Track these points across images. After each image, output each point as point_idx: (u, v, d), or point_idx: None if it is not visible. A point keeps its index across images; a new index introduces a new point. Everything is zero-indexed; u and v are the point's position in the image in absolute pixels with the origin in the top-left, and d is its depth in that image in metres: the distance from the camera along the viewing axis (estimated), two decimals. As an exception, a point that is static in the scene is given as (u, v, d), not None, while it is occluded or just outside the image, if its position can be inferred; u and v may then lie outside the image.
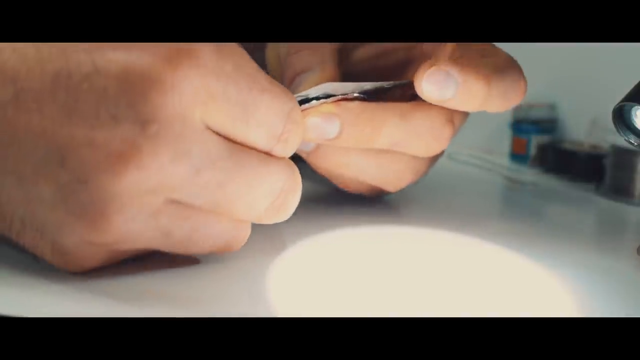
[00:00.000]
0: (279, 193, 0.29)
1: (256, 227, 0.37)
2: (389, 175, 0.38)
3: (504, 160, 0.57)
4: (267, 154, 0.29)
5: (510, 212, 0.48)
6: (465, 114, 0.39)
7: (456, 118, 0.37)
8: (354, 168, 0.37)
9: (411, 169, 0.38)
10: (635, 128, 0.34)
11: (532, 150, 0.56)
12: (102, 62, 0.26)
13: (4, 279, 0.28)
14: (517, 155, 0.57)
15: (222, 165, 0.27)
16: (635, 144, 0.35)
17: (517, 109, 0.57)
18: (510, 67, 0.36)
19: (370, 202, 0.42)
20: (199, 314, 0.27)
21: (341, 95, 0.34)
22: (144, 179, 0.26)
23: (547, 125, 0.57)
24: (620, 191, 0.48)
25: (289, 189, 0.30)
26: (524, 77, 0.36)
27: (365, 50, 0.40)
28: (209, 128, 0.27)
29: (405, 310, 0.29)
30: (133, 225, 0.27)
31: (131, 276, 0.29)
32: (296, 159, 0.31)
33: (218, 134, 0.27)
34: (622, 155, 0.48)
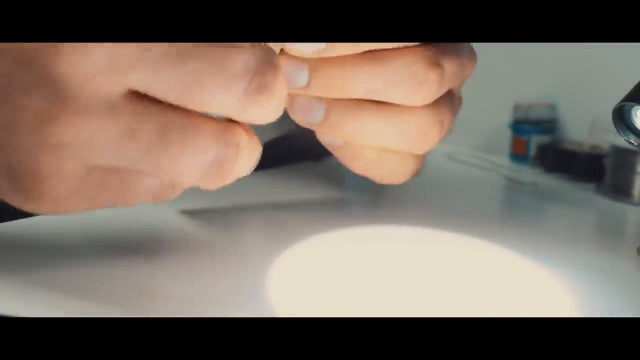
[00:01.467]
0: (254, 72, 0.27)
1: (256, 227, 0.37)
2: (410, 134, 0.35)
3: (504, 160, 0.57)
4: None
5: (510, 212, 0.48)
6: (455, 55, 0.35)
7: (445, 60, 0.34)
8: (370, 134, 0.35)
9: (432, 120, 0.35)
10: (635, 128, 0.34)
11: (532, 150, 0.56)
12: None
13: (4, 279, 0.28)
14: (517, 155, 0.57)
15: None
16: (635, 144, 0.35)
17: (517, 109, 0.57)
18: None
19: (370, 202, 0.42)
20: (199, 314, 0.27)
21: None
22: (87, 53, 0.24)
23: (547, 125, 0.57)
24: (620, 191, 0.48)
25: (265, 66, 0.27)
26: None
27: None
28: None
29: (406, 310, 0.29)
30: (88, 117, 0.25)
31: (131, 276, 0.29)
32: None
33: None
34: (622, 155, 0.48)
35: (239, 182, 0.43)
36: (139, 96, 0.26)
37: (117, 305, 0.27)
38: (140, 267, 0.30)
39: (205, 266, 0.31)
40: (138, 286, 0.29)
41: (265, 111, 0.28)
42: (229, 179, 0.28)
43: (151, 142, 0.26)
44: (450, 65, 0.35)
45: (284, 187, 0.44)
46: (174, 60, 0.25)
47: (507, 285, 0.33)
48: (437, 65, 0.34)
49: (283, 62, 0.32)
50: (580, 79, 0.56)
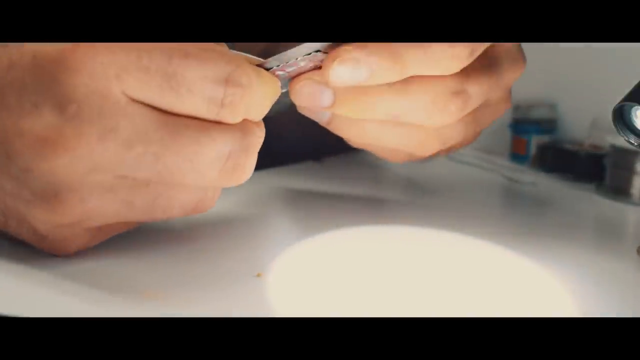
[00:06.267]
0: (228, 157, 0.29)
1: (256, 227, 0.37)
2: (410, 144, 0.36)
3: (504, 160, 0.57)
4: (216, 122, 0.28)
5: (510, 212, 0.48)
6: (487, 74, 0.36)
7: (471, 84, 0.35)
8: (370, 136, 0.36)
9: (436, 137, 0.36)
10: (635, 128, 0.34)
11: (532, 150, 0.56)
12: (17, 55, 0.26)
13: (5, 279, 0.28)
14: (517, 155, 0.57)
15: (155, 137, 0.27)
16: (635, 144, 0.35)
17: (517, 109, 0.57)
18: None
19: (371, 202, 0.42)
20: (199, 314, 0.27)
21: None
22: (77, 160, 0.26)
23: (547, 125, 0.57)
24: (620, 191, 0.48)
25: (240, 151, 0.29)
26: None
27: None
28: (135, 101, 0.27)
29: (405, 310, 0.29)
30: (91, 202, 0.27)
31: (131, 276, 0.29)
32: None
33: (150, 105, 0.27)
34: (622, 155, 0.48)
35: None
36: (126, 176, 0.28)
37: (117, 305, 0.27)
38: (140, 267, 0.30)
39: (205, 265, 0.31)
40: (138, 286, 0.29)
41: (237, 182, 0.30)
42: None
43: (146, 208, 0.29)
44: (477, 88, 0.35)
45: (285, 187, 0.44)
46: (151, 159, 0.27)
47: (507, 285, 0.33)
48: (459, 93, 0.34)
49: (310, 83, 0.33)
50: (580, 79, 0.56)
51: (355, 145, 0.38)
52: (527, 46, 0.53)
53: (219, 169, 0.29)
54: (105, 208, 0.28)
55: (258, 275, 0.31)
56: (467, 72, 0.35)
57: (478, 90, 0.35)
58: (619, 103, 0.34)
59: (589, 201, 0.48)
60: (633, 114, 0.34)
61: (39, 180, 0.27)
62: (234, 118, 0.29)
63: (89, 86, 0.26)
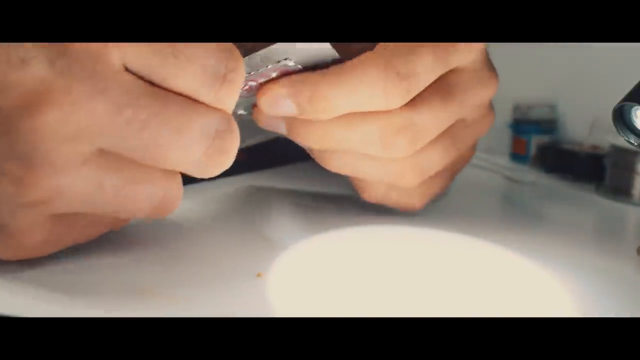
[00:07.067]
0: (215, 136, 0.28)
1: (257, 227, 0.36)
2: (388, 175, 0.36)
3: (504, 160, 0.57)
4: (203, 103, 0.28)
5: (510, 212, 0.48)
6: (442, 103, 0.35)
7: (422, 116, 0.34)
8: (349, 168, 0.36)
9: (412, 167, 0.36)
10: (635, 128, 0.34)
11: (532, 150, 0.56)
12: None
13: (4, 279, 0.28)
14: (517, 155, 0.57)
15: (144, 103, 0.27)
16: (635, 144, 0.35)
17: (517, 109, 0.57)
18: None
19: (370, 203, 0.42)
20: (199, 314, 0.27)
21: (282, 68, 0.33)
22: (62, 121, 0.25)
23: (547, 125, 0.57)
24: (620, 191, 0.48)
25: (227, 132, 0.29)
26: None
27: None
28: (128, 70, 0.27)
29: (406, 310, 0.29)
30: (63, 175, 0.26)
31: (130, 276, 0.29)
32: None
33: (141, 78, 0.27)
34: (622, 155, 0.48)
35: (240, 182, 0.43)
36: (105, 151, 0.27)
37: (117, 305, 0.27)
38: (140, 267, 0.30)
39: (204, 266, 0.31)
40: (137, 286, 0.29)
41: (220, 168, 0.30)
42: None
43: (112, 195, 0.28)
44: (429, 120, 0.35)
45: (285, 187, 0.44)
46: (139, 127, 0.27)
47: (507, 285, 0.33)
48: (407, 128, 0.34)
49: (264, 116, 0.34)
50: (580, 79, 0.56)
51: (366, 197, 0.39)
52: (527, 46, 0.53)
53: (206, 147, 0.28)
54: (75, 187, 0.27)
55: (258, 275, 0.31)
56: (415, 104, 0.34)
57: (430, 122, 0.35)
58: (619, 103, 0.34)
59: (589, 201, 0.48)
60: (633, 114, 0.34)
61: (15, 145, 0.25)
62: (230, 98, 0.29)
63: (84, 45, 0.26)
